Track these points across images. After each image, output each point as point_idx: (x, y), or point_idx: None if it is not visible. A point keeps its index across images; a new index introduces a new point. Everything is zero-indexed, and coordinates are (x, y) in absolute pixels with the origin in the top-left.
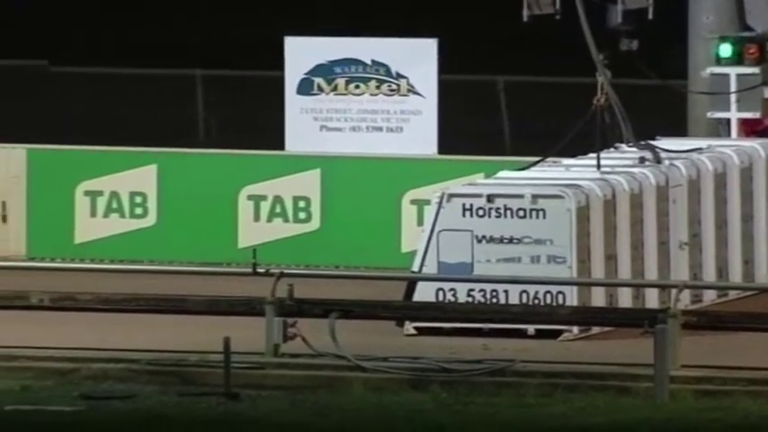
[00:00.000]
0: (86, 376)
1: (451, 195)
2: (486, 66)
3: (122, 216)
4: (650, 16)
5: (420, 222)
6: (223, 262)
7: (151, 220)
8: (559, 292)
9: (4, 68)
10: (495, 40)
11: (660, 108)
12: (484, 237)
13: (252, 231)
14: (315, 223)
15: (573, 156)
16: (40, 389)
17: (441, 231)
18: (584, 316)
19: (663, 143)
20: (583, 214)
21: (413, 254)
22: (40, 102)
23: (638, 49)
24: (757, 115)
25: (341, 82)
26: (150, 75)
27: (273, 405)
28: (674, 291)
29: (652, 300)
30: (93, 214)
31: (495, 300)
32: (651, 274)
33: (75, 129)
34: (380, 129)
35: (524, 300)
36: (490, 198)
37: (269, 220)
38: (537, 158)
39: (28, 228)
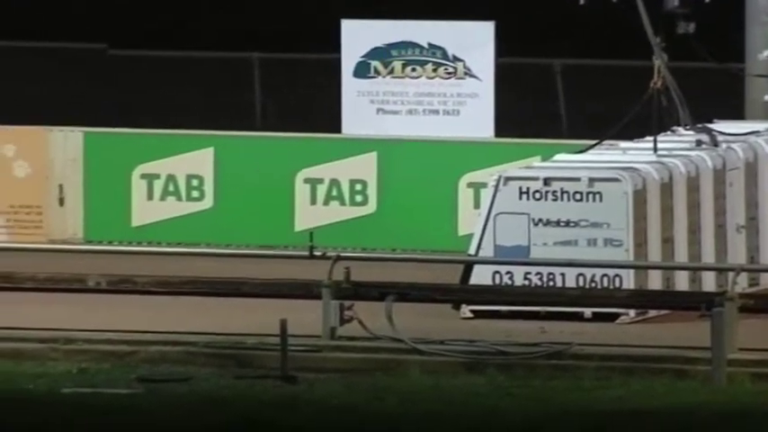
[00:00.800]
0: (143, 359)
1: (508, 178)
2: (542, 49)
3: (179, 199)
4: None
5: (476, 205)
6: (280, 245)
7: (208, 203)
8: (616, 276)
9: (63, 51)
10: (551, 23)
11: (717, 91)
12: (540, 220)
13: (309, 214)
14: (371, 206)
15: (630, 139)
16: (98, 371)
17: (497, 214)
18: (642, 299)
19: (720, 126)
20: (640, 197)
21: (469, 237)
22: (97, 85)
23: (694, 32)
24: None
25: (397, 65)
26: (208, 58)
27: (330, 388)
28: (731, 274)
29: (709, 283)
30: (150, 197)
31: (551, 283)
32: (708, 257)
33: (133, 112)
34: (437, 112)
35: (581, 283)
36: (547, 181)
37: (325, 203)
38: (594, 142)
39: (85, 211)
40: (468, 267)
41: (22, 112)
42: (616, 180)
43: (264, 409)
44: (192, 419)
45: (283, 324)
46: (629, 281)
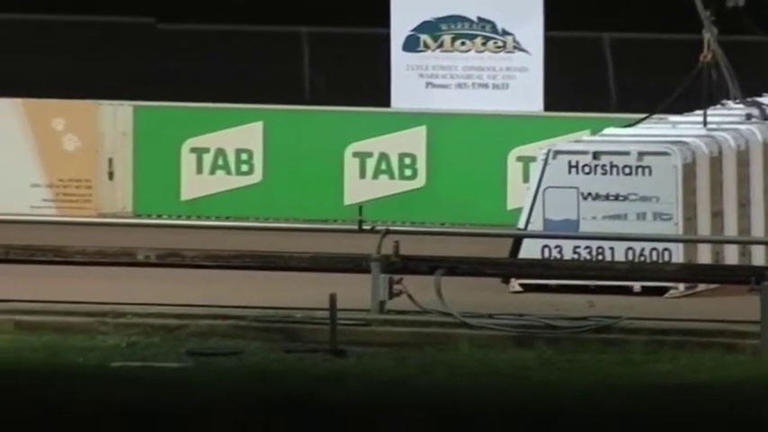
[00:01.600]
0: (193, 332)
1: (557, 152)
2: (591, 22)
3: (228, 173)
4: None
5: (525, 179)
6: (329, 219)
7: (257, 177)
8: (665, 249)
9: (111, 26)
10: None
11: (767, 64)
12: (590, 194)
13: (358, 188)
14: (420, 180)
15: (679, 113)
16: (147, 345)
17: (546, 188)
18: (691, 273)
19: None
20: (689, 171)
21: (518, 211)
22: (147, 59)
23: (744, 5)
24: None
25: (447, 39)
26: (256, 32)
27: (379, 362)
28: None
29: (758, 257)
30: (200, 171)
31: (600, 257)
32: (758, 230)
33: (182, 86)
34: (486, 85)
35: (630, 257)
36: (596, 155)
37: (375, 176)
38: (643, 115)
39: (134, 185)
40: (518, 241)
41: (71, 86)
42: (665, 154)
43: (314, 382)
44: (242, 393)
45: (333, 298)
46: (678, 255)
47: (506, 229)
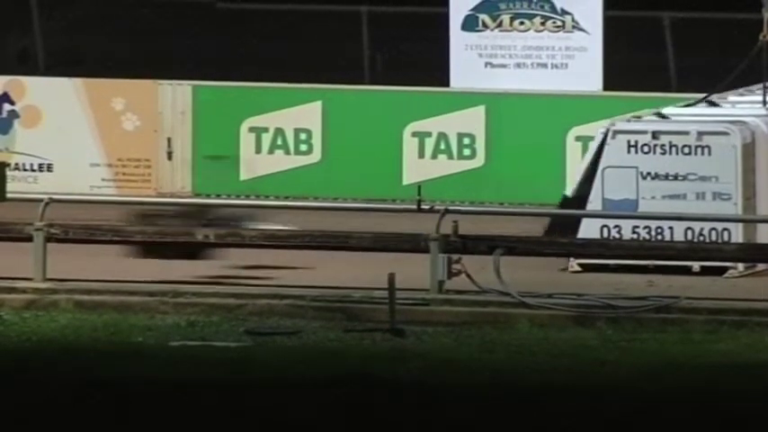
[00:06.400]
0: (252, 312)
1: (616, 132)
2: (651, 1)
3: (287, 153)
4: None
5: None
6: (387, 198)
7: (316, 156)
8: (725, 229)
9: (172, 5)
10: None
11: None
12: (649, 173)
13: (416, 168)
14: (479, 160)
15: (739, 92)
16: (206, 324)
17: (606, 168)
18: (750, 253)
19: None
20: (748, 151)
21: None
22: (206, 38)
23: None
24: None
25: (506, 18)
26: (316, 11)
27: (438, 341)
28: None
29: None
30: (258, 151)
31: (660, 236)
32: None
33: (241, 65)
34: (545, 65)
35: (689, 236)
36: (655, 135)
37: (434, 156)
38: (702, 95)
39: (193, 164)
40: (556, 219)
41: (130, 65)
42: (725, 133)
43: (373, 361)
44: (301, 372)
45: (391, 278)
46: (737, 234)
47: (565, 209)
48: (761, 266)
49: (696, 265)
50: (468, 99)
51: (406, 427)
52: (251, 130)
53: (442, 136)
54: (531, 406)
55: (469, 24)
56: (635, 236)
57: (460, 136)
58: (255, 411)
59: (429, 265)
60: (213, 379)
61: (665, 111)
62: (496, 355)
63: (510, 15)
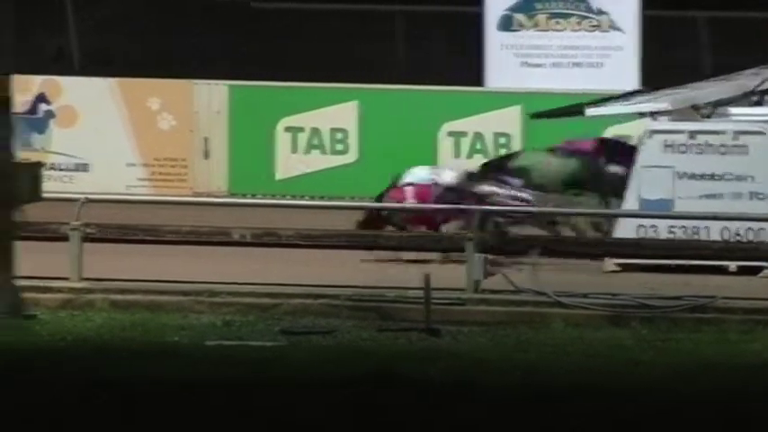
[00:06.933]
0: (287, 311)
1: (653, 132)
2: (686, 1)
3: (323, 152)
4: None
5: None
6: None
7: (352, 156)
8: (761, 229)
9: (207, 4)
10: None
11: None
12: (685, 173)
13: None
14: None
15: None
16: (242, 324)
17: (642, 168)
18: None
19: None
20: None
21: None
22: (242, 38)
23: None
24: None
25: (541, 18)
26: (351, 10)
27: (474, 341)
28: None
29: None
30: (294, 150)
31: (695, 236)
32: None
33: (277, 65)
34: (581, 64)
35: (725, 236)
36: (692, 134)
37: (469, 156)
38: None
39: (230, 164)
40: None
41: (166, 65)
42: (761, 133)
43: (408, 360)
44: (336, 371)
45: (427, 277)
46: None
47: (601, 209)
48: None
49: (732, 265)
50: (504, 99)
51: (433, 426)
52: (287, 129)
53: (478, 136)
54: (564, 406)
55: (505, 24)
56: (671, 235)
57: (496, 135)
58: (289, 410)
59: (465, 265)
60: (249, 379)
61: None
62: (530, 355)
63: (546, 15)
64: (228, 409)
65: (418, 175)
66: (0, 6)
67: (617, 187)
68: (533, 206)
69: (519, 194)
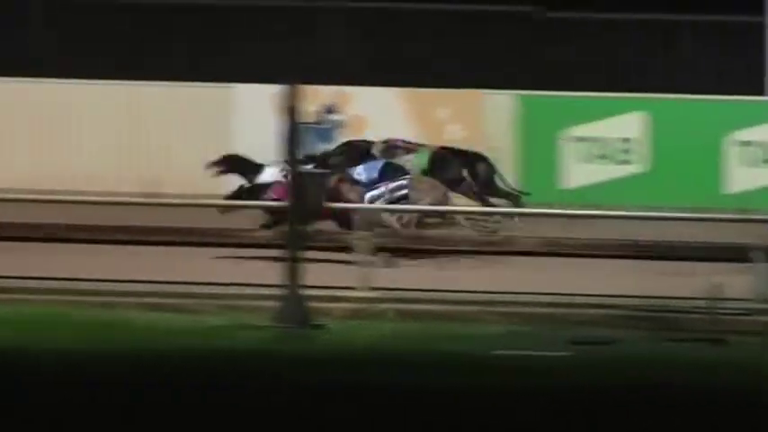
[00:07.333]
0: (574, 321)
1: None
2: None
3: (612, 162)
4: None
5: None
6: (711, 208)
7: (641, 166)
8: None
9: (494, 15)
10: None
11: None
12: None
13: (740, 177)
14: None
15: None
16: (529, 334)
17: None
18: None
19: None
20: None
21: None
22: (531, 48)
23: None
24: None
25: None
26: (632, 20)
27: (760, 352)
28: None
29: None
30: (583, 160)
31: None
32: None
33: (565, 74)
34: None
35: None
36: None
37: (759, 165)
38: None
39: (516, 173)
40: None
41: (456, 75)
42: None
43: (692, 371)
44: (621, 382)
45: (714, 287)
46: None
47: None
48: None
49: None
50: None
51: None
52: (575, 139)
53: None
54: None
55: None
56: None
57: None
58: (584, 415)
59: (752, 275)
60: (536, 389)
61: None
62: None
63: None
64: (515, 416)
65: (271, 174)
66: None
67: None
68: None
69: None
